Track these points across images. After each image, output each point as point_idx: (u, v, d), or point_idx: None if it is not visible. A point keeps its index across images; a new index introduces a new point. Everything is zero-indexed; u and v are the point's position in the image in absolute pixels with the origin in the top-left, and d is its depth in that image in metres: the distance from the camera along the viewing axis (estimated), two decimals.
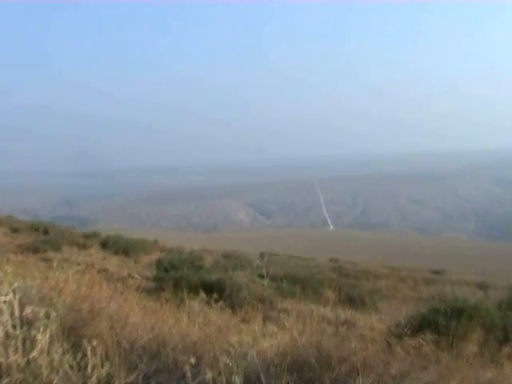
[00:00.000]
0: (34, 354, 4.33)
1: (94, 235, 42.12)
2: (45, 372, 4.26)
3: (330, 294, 18.24)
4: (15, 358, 4.29)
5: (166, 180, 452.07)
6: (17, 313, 4.52)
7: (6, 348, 4.33)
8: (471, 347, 7.70)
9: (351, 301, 18.04)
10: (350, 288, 23.58)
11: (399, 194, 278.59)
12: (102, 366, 4.31)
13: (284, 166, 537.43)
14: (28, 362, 4.31)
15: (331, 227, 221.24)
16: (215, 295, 7.42)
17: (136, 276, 19.67)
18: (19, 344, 4.36)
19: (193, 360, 4.27)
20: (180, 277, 15.77)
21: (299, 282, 21.48)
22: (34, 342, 4.38)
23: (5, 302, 4.51)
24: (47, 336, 4.40)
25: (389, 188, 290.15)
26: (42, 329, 4.40)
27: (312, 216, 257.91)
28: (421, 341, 5.67)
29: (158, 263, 21.15)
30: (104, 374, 4.29)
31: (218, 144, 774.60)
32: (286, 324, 7.27)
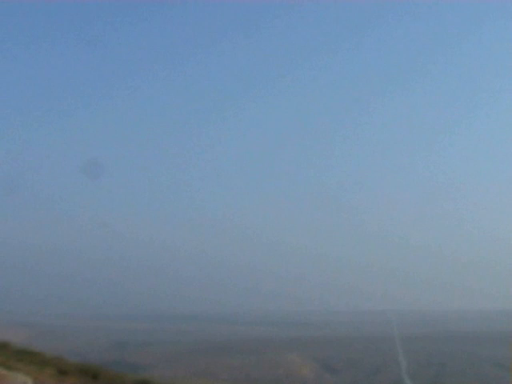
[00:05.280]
0: None
1: (145, 383, 41.91)
2: None
3: None
4: None
5: (225, 329, 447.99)
6: None
7: None
8: None
9: None
10: None
11: (480, 355, 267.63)
12: None
13: (353, 321, 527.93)
14: None
15: None
16: None
17: None
18: None
19: None
20: None
21: None
22: None
23: None
24: None
25: (469, 349, 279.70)
26: None
27: (382, 375, 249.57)
28: None
29: None
30: None
31: (281, 294, 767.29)
32: None
